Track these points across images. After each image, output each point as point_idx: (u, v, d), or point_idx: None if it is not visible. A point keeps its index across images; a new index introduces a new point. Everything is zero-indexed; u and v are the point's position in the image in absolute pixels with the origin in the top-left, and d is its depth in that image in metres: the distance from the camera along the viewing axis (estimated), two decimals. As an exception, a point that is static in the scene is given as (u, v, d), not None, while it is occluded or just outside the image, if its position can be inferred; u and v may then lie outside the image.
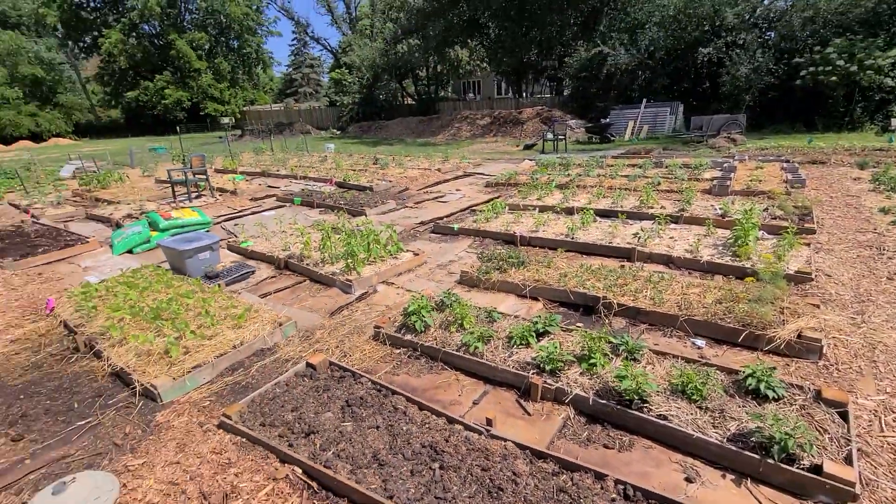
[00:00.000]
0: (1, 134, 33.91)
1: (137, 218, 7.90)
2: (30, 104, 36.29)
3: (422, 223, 7.13)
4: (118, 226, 7.64)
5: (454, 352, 3.18)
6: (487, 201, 8.08)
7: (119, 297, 4.22)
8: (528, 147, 16.51)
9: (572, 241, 5.38)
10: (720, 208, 6.14)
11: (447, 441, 2.34)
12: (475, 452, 2.27)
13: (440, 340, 3.35)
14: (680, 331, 3.45)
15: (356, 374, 3.03)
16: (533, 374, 2.86)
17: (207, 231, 6.73)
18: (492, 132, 21.98)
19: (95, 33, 38.87)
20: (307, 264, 5.17)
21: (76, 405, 3.03)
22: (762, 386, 2.48)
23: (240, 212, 8.64)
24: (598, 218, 6.30)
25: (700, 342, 3.30)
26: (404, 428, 2.48)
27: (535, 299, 4.15)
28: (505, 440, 2.33)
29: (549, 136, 15.34)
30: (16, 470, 2.46)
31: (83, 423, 2.85)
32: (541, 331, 3.23)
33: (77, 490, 2.12)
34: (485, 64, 30.22)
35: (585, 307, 3.90)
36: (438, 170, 11.78)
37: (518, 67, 25.09)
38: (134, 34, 37.87)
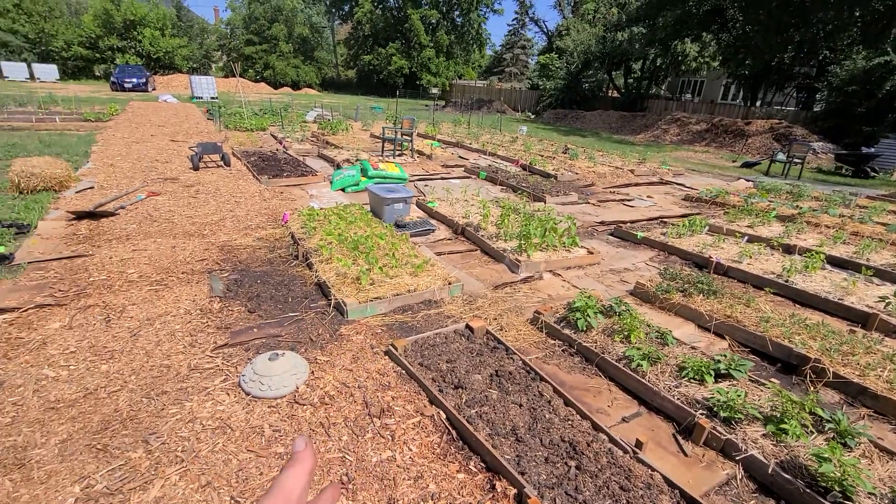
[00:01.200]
0: (273, 79, 43.09)
1: (353, 163, 9.28)
2: (296, 58, 45.11)
3: (602, 222, 6.78)
4: (338, 167, 9.11)
5: (613, 361, 3.01)
6: (682, 216, 7.25)
7: (331, 225, 5.07)
8: (747, 165, 14.04)
9: (785, 285, 4.48)
10: None
11: (588, 445, 2.26)
12: (616, 468, 2.15)
13: (600, 345, 3.20)
14: (924, 435, 2.63)
15: (509, 350, 3.11)
16: (701, 414, 2.54)
17: (404, 186, 7.54)
18: (705, 140, 19.30)
19: (353, 3, 45.85)
20: (482, 235, 5.42)
21: (290, 300, 3.80)
22: None
23: (431, 175, 9.44)
24: (828, 266, 5.11)
25: (955, 459, 2.47)
26: (546, 416, 2.48)
27: (720, 336, 3.61)
28: (653, 469, 2.14)
29: (781, 156, 12.81)
30: (247, 333, 3.23)
31: (292, 315, 3.56)
32: (722, 371, 2.82)
33: (283, 362, 2.68)
34: (716, 63, 26.32)
35: (786, 364, 3.25)
36: (631, 171, 10.93)
37: (760, 71, 21.14)
38: (381, 6, 43.61)
